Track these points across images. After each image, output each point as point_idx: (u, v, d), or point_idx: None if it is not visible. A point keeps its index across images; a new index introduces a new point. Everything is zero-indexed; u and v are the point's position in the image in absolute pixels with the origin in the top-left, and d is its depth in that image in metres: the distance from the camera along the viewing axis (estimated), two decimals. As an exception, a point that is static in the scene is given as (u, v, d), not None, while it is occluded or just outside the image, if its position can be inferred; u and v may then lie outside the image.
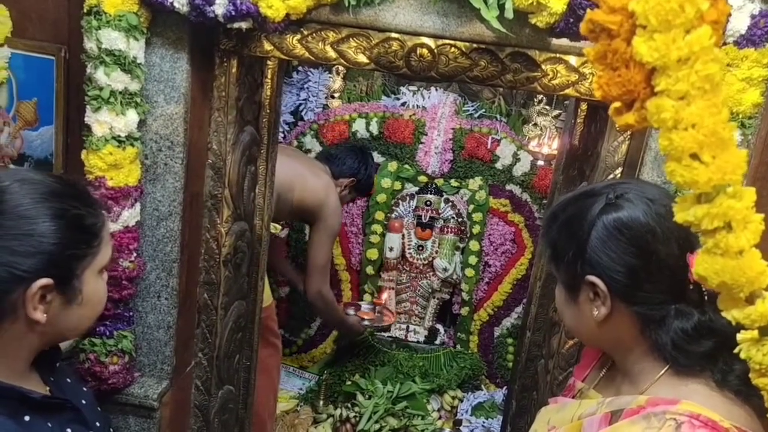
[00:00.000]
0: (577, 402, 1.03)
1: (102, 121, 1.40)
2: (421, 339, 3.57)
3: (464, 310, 3.55)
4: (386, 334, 3.57)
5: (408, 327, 3.60)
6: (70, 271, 0.91)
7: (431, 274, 3.53)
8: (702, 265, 0.60)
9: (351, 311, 3.27)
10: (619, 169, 1.57)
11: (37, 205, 0.88)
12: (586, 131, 1.78)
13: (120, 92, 1.41)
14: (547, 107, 3.49)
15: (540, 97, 3.51)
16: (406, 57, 1.52)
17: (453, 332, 3.63)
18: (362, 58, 1.53)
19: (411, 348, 3.52)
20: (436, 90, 3.56)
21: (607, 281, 0.91)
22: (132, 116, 1.44)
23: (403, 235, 3.50)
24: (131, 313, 1.59)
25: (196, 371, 1.82)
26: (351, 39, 1.52)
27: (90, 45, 1.38)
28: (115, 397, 1.61)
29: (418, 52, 1.51)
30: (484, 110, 3.53)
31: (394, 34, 1.49)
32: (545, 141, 3.29)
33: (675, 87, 0.54)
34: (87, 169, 1.44)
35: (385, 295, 3.45)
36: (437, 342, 3.58)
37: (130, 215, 1.49)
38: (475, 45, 1.48)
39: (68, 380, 1.09)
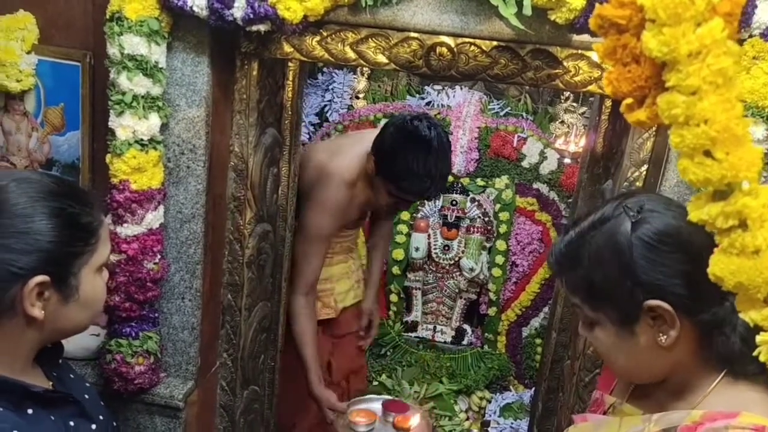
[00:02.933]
0: (615, 420, 0.97)
1: (125, 125, 1.43)
2: (449, 339, 3.56)
3: (491, 311, 3.52)
4: (413, 335, 3.56)
5: (435, 327, 3.58)
6: (67, 268, 0.93)
7: (458, 274, 3.52)
8: (718, 266, 0.58)
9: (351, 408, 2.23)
10: (645, 167, 1.54)
11: (33, 203, 0.90)
12: (611, 128, 1.74)
13: (142, 96, 1.43)
14: (575, 104, 3.45)
15: (567, 94, 3.47)
16: (425, 56, 1.51)
17: (480, 332, 3.60)
18: (381, 58, 1.53)
19: (438, 348, 3.51)
20: (461, 89, 3.55)
21: (669, 299, 0.83)
22: (154, 120, 1.46)
23: (429, 235, 3.49)
24: (156, 315, 1.61)
25: (221, 372, 1.83)
26: (370, 39, 1.52)
27: (112, 50, 1.41)
28: (141, 398, 1.63)
29: (437, 51, 1.50)
30: (510, 108, 3.50)
31: (413, 34, 1.49)
32: (572, 138, 3.25)
33: (686, 82, 0.52)
34: (111, 172, 1.46)
35: (413, 422, 2.20)
36: (465, 342, 3.56)
37: (153, 218, 1.51)
38: (495, 43, 1.47)
39: (71, 375, 1.11)
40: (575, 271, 0.91)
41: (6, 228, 0.88)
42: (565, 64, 1.47)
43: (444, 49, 1.50)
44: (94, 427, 1.06)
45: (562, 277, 0.95)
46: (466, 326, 3.62)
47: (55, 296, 0.93)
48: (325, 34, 1.52)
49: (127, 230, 1.48)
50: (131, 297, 1.53)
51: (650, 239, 0.84)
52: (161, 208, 1.54)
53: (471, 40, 1.47)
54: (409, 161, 1.85)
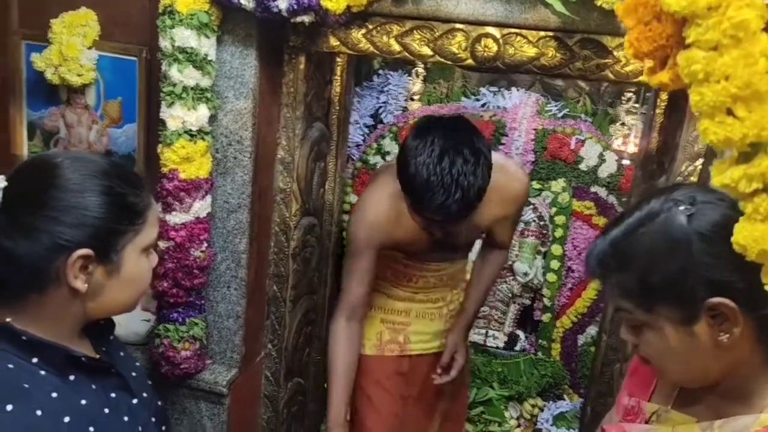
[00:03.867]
0: (665, 429, 0.91)
1: (175, 116, 1.47)
2: (500, 344, 3.49)
3: (546, 317, 3.44)
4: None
5: (487, 332, 3.52)
6: (111, 244, 0.95)
7: (511, 278, 3.45)
8: (741, 233, 0.54)
9: None
10: (700, 160, 1.47)
11: (85, 180, 0.93)
12: (666, 122, 1.68)
13: (192, 88, 1.47)
14: (636, 105, 3.34)
15: (628, 95, 3.37)
16: (470, 48, 1.50)
17: (534, 339, 3.52)
18: (426, 50, 1.53)
19: (489, 353, 3.44)
20: (518, 90, 3.49)
21: (731, 295, 0.78)
22: (203, 111, 1.50)
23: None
24: (203, 302, 1.65)
25: (265, 362, 1.86)
26: (415, 31, 1.52)
27: (164, 43, 1.46)
28: (187, 383, 1.68)
29: (482, 42, 1.49)
30: (568, 110, 3.43)
31: (458, 25, 1.48)
32: (631, 139, 3.15)
33: (705, 36, 0.49)
34: (162, 162, 1.52)
35: None
36: (517, 348, 3.48)
37: (201, 207, 1.56)
38: (542, 33, 1.44)
39: (121, 353, 1.13)
40: (625, 272, 0.85)
41: (57, 201, 0.91)
42: (614, 53, 1.43)
43: (489, 41, 1.48)
44: (135, 401, 1.07)
45: (608, 280, 0.88)
46: (519, 332, 3.54)
47: (98, 271, 0.95)
48: (370, 26, 1.53)
49: (175, 218, 1.53)
50: (179, 283, 1.57)
51: (708, 232, 0.78)
52: (208, 198, 1.58)
53: (517, 31, 1.45)
54: (414, 167, 1.44)
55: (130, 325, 1.71)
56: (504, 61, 1.50)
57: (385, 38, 1.53)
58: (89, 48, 1.65)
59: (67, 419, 0.91)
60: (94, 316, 1.02)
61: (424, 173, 1.42)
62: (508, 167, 1.78)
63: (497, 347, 3.47)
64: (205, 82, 1.49)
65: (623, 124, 3.36)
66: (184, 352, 1.61)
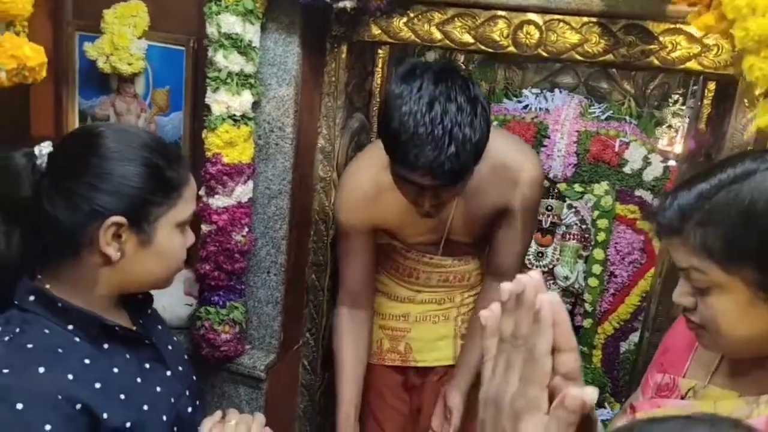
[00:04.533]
0: (706, 404, 0.88)
1: (219, 101, 1.51)
2: (540, 349, 3.44)
3: (587, 322, 3.37)
4: (503, 343, 3.47)
5: (526, 336, 3.48)
6: (144, 214, 0.96)
7: (551, 282, 3.40)
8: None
9: None
10: (749, 149, 1.43)
11: (125, 150, 0.96)
12: (714, 113, 1.64)
13: (236, 74, 1.51)
14: (683, 108, 3.27)
15: (675, 96, 3.30)
16: (512, 35, 1.49)
17: (575, 345, 3.46)
18: (467, 38, 1.53)
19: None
20: (560, 92, 3.46)
21: None
22: (247, 97, 1.53)
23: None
24: (243, 287, 1.67)
25: (303, 351, 1.88)
26: (456, 19, 1.52)
27: (211, 30, 1.50)
28: (227, 366, 1.70)
29: (524, 29, 1.48)
30: (612, 112, 3.37)
31: (500, 12, 1.48)
32: (677, 141, 3.08)
33: (752, -29, 0.48)
34: (206, 146, 1.55)
35: None
36: (557, 354, 3.43)
37: (243, 191, 1.58)
38: (585, 19, 1.43)
39: (159, 327, 1.15)
40: (711, 228, 0.81)
41: (96, 168, 0.94)
42: (660, 39, 1.40)
43: (531, 27, 1.48)
44: (168, 374, 1.08)
45: (683, 235, 0.84)
46: (559, 337, 3.48)
47: (131, 240, 0.96)
48: (411, 15, 1.54)
49: (218, 201, 1.56)
50: (220, 266, 1.60)
51: None
52: (250, 183, 1.61)
53: (559, 17, 1.44)
54: (398, 119, 1.22)
55: (174, 308, 1.74)
56: (546, 48, 1.49)
57: (426, 26, 1.54)
58: (139, 38, 1.71)
59: (98, 385, 0.93)
60: (128, 289, 1.04)
61: (411, 124, 1.19)
62: (518, 146, 1.58)
63: (536, 352, 3.42)
64: (249, 68, 1.52)
65: (669, 126, 3.29)
66: (224, 335, 1.64)
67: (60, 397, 0.88)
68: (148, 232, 0.97)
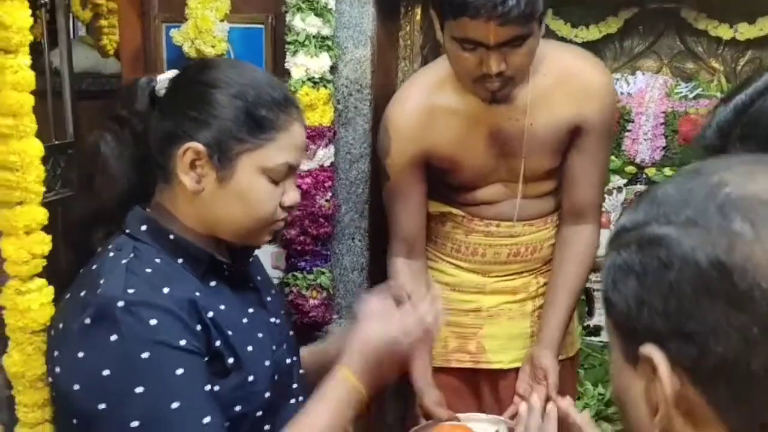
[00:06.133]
0: None
1: (299, 64, 1.55)
2: (638, 344, 3.26)
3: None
4: (596, 339, 3.32)
5: (622, 331, 3.31)
6: (224, 148, 0.93)
7: (646, 270, 3.23)
8: None
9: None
10: None
11: (224, 80, 0.95)
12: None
13: (314, 36, 1.54)
14: (778, 78, 3.07)
15: (769, 68, 3.11)
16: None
17: (676, 338, 3.25)
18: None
19: (626, 353, 3.22)
20: (643, 74, 3.34)
21: None
22: (325, 59, 1.56)
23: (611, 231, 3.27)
24: (328, 252, 1.68)
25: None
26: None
27: (288, -5, 1.54)
28: (315, 334, 1.70)
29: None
30: (701, 89, 3.22)
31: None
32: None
33: None
34: (287, 111, 1.58)
35: None
36: (656, 348, 3.23)
37: (324, 155, 1.60)
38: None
39: (258, 277, 1.12)
40: (751, 141, 0.74)
41: (193, 93, 0.95)
42: None
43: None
44: (271, 320, 1.07)
45: (727, 153, 0.76)
46: (658, 330, 3.29)
47: (210, 175, 0.94)
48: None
49: (301, 165, 1.58)
50: (305, 231, 1.62)
51: None
52: (332, 148, 1.62)
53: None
54: None
55: (261, 280, 1.76)
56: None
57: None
58: (221, 21, 1.78)
59: (210, 314, 0.92)
60: (216, 231, 0.99)
61: None
62: (585, 55, 1.47)
63: (633, 345, 3.24)
64: (326, 31, 1.55)
65: (765, 99, 3.10)
66: (312, 300, 1.64)
67: (186, 315, 0.88)
68: (228, 168, 0.93)
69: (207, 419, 0.85)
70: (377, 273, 1.75)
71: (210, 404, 0.87)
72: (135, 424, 0.82)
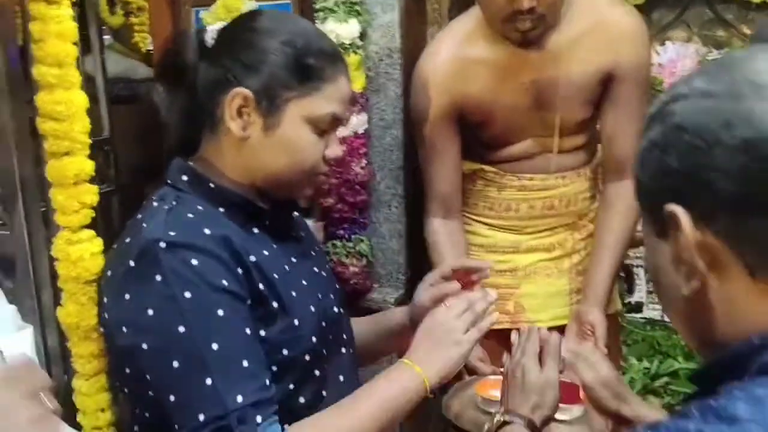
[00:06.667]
0: None
1: (329, 30, 1.54)
2: (682, 318, 3.20)
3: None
4: (638, 315, 3.27)
5: (665, 306, 3.25)
6: (272, 94, 0.93)
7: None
8: None
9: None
10: None
11: (274, 28, 0.96)
12: None
13: (342, 2, 1.55)
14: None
15: (804, 29, 3.03)
16: None
17: (721, 311, 3.19)
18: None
19: (669, 328, 3.16)
20: (673, 44, 3.29)
21: None
22: (354, 25, 1.57)
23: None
24: (366, 220, 1.68)
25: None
26: None
27: (316, -38, 1.55)
28: (356, 304, 1.69)
29: None
30: (733, 55, 3.15)
31: None
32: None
33: None
34: (319, 79, 1.59)
35: None
36: (702, 321, 3.17)
37: (358, 122, 1.60)
38: None
39: (302, 234, 1.12)
40: None
41: (242, 40, 0.95)
42: None
43: None
44: (316, 270, 1.07)
45: None
46: (702, 304, 3.22)
47: (257, 122, 0.94)
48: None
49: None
50: (342, 198, 1.62)
51: None
52: (364, 115, 1.62)
53: None
54: None
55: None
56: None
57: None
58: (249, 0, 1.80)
59: (253, 258, 0.92)
60: (260, 179, 0.98)
61: None
62: (616, 1, 1.45)
63: (679, 320, 3.18)
64: (354, -4, 1.56)
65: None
66: (353, 267, 1.64)
67: (229, 257, 0.88)
68: (274, 115, 0.94)
69: (245, 363, 0.85)
70: (415, 240, 1.75)
71: (249, 347, 0.87)
72: (176, 363, 0.83)
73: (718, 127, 0.49)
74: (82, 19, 2.29)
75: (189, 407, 0.82)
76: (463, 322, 1.00)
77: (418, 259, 1.78)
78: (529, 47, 1.34)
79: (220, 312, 0.85)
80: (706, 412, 0.45)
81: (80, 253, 0.93)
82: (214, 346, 0.83)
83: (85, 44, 2.25)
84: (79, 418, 0.97)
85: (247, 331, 0.87)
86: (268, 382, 0.87)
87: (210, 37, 0.98)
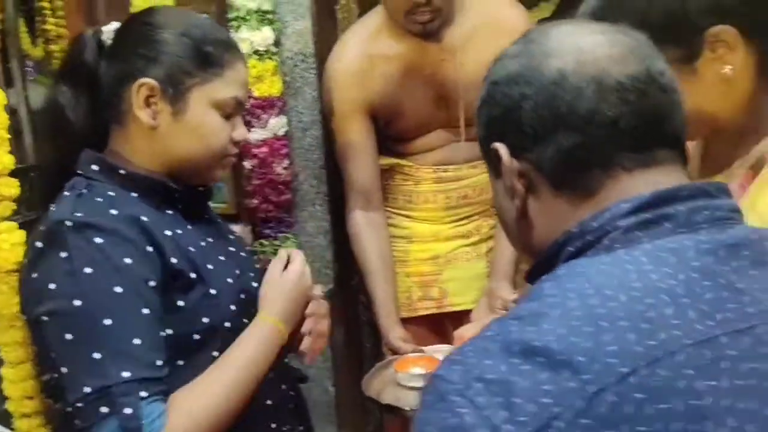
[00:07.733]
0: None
1: (243, 39, 1.62)
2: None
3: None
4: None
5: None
6: (176, 82, 0.98)
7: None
8: None
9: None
10: None
11: (171, 22, 1.02)
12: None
13: (255, 11, 1.62)
14: None
15: None
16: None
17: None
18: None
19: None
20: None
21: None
22: (268, 33, 1.64)
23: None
24: (292, 219, 1.74)
25: (361, 286, 1.90)
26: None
27: (227, -27, 1.63)
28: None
29: None
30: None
31: None
32: None
33: None
34: (237, 85, 1.66)
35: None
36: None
37: (277, 123, 1.67)
38: None
39: (218, 221, 1.17)
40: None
41: (140, 34, 1.01)
42: None
43: None
44: (232, 249, 1.11)
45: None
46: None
47: (165, 110, 0.98)
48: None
49: (255, 135, 1.65)
50: (267, 199, 1.68)
51: None
52: (283, 117, 1.69)
53: None
54: None
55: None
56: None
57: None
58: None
59: (167, 233, 0.96)
60: (173, 166, 1.02)
61: None
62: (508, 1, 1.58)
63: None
64: (267, 5, 1.64)
65: None
66: (281, 265, 1.69)
67: (136, 236, 0.92)
68: (181, 102, 0.98)
69: (137, 341, 0.87)
70: (341, 235, 1.82)
71: (144, 327, 0.89)
72: (69, 336, 0.86)
73: (517, 77, 0.61)
74: (3, 53, 2.30)
75: (76, 379, 0.85)
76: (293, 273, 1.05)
77: (345, 254, 1.85)
78: (429, 39, 1.45)
79: (118, 289, 0.88)
80: (521, 299, 0.55)
81: (0, 243, 0.95)
82: (107, 322, 0.86)
83: (7, 77, 2.25)
84: (7, 405, 0.99)
85: (145, 311, 0.89)
86: (159, 362, 0.88)
87: (107, 37, 1.03)
